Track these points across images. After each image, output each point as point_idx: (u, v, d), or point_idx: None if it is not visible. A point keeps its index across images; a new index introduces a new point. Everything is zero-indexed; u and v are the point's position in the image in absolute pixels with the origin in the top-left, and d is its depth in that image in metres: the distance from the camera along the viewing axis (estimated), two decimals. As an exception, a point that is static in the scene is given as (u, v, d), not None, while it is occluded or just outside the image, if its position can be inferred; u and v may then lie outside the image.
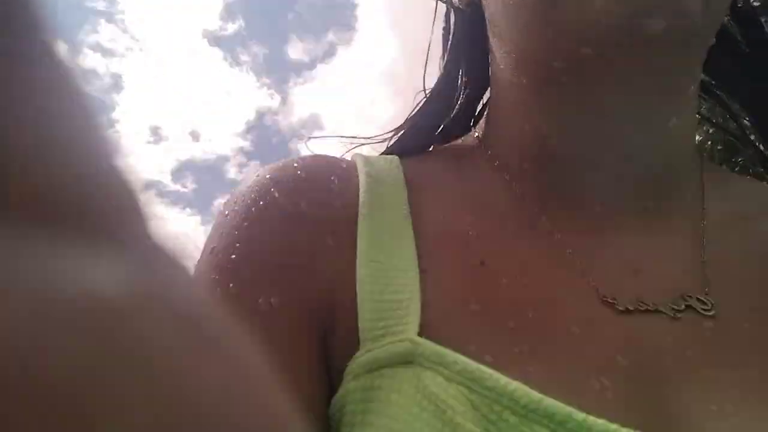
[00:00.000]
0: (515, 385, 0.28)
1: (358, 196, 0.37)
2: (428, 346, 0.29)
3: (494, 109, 0.43)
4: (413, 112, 0.47)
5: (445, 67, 0.47)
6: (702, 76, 0.42)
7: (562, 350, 0.31)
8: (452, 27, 0.47)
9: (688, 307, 0.34)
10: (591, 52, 0.33)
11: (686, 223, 0.38)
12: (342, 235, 0.35)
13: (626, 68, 0.33)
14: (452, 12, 0.47)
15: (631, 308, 0.33)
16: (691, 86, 0.38)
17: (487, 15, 0.40)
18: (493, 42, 0.41)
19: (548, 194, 0.39)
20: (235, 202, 0.36)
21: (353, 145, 0.45)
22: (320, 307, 0.32)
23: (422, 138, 0.45)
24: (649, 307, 0.33)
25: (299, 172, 0.37)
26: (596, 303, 0.34)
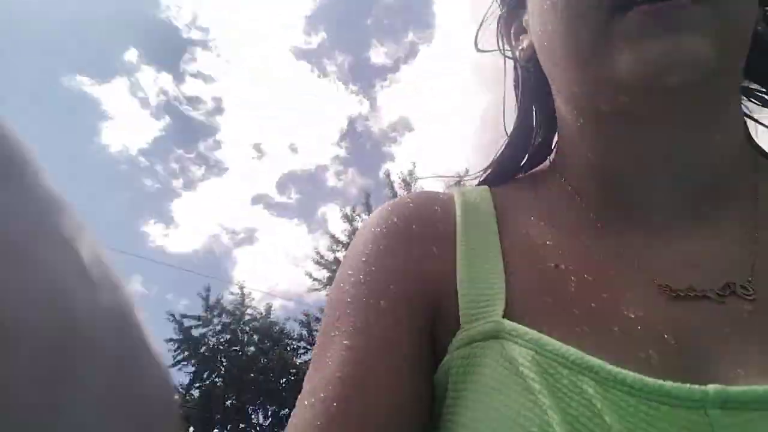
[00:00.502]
0: (567, 348, 0.36)
1: (455, 219, 0.48)
2: (509, 324, 0.39)
3: (562, 142, 0.52)
4: (498, 154, 0.58)
5: (518, 115, 0.58)
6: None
7: (617, 328, 0.38)
8: (521, 79, 0.58)
9: (732, 293, 0.39)
10: (627, 99, 0.41)
11: (738, 222, 0.43)
12: (444, 246, 0.46)
13: (659, 113, 0.41)
14: (518, 67, 0.58)
15: (682, 294, 0.39)
16: (728, 108, 0.44)
17: (544, 69, 0.49)
18: (553, 90, 0.50)
19: (611, 209, 0.47)
20: (365, 228, 0.49)
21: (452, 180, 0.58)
22: (427, 299, 0.44)
23: (507, 173, 0.57)
24: (698, 293, 0.39)
25: (411, 204, 0.50)
26: (652, 291, 0.40)
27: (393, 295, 0.43)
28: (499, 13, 0.58)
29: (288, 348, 15.66)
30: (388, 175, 13.35)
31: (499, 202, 0.51)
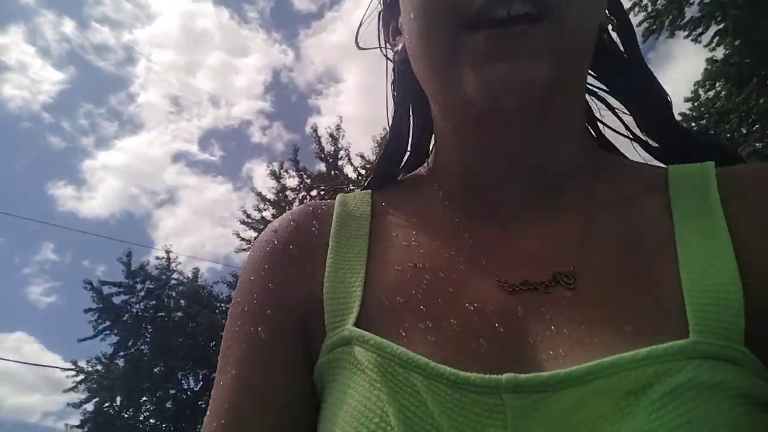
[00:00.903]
0: (401, 349, 0.41)
1: (330, 232, 0.52)
2: (357, 332, 0.44)
3: (436, 145, 0.56)
4: (377, 157, 0.61)
5: (393, 117, 0.60)
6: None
7: (457, 323, 0.43)
8: (396, 80, 0.60)
9: (557, 283, 0.44)
10: (475, 114, 0.45)
11: (574, 216, 0.48)
12: (317, 262, 0.50)
13: (503, 126, 0.46)
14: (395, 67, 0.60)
15: (516, 288, 0.44)
16: (568, 115, 0.49)
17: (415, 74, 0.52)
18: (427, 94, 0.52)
19: (469, 208, 0.51)
20: (253, 248, 0.54)
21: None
22: (300, 318, 0.48)
23: (387, 175, 0.60)
24: (529, 286, 0.44)
25: (292, 223, 0.54)
26: (492, 286, 0.45)
27: (270, 322, 0.48)
28: (380, 8, 0.60)
29: (217, 311, 15.44)
30: (315, 130, 13.19)
31: (377, 205, 0.55)
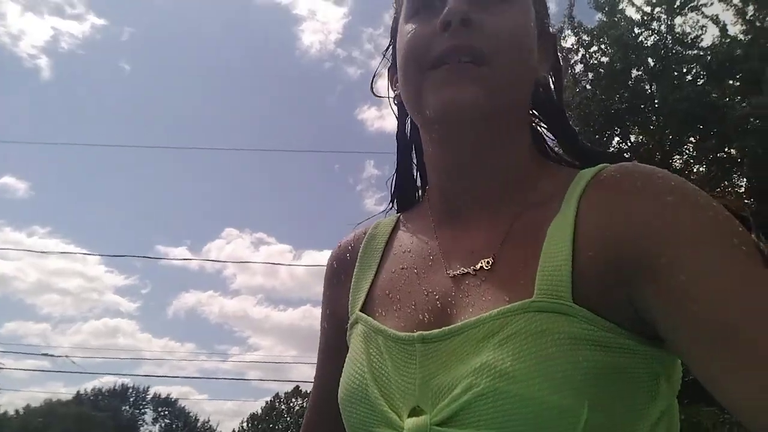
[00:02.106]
0: (376, 323, 0.65)
1: (359, 248, 0.77)
2: (360, 314, 0.69)
3: (426, 169, 0.75)
4: (391, 189, 0.84)
5: (398, 148, 0.83)
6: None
7: (415, 303, 0.65)
8: (398, 118, 0.82)
9: (482, 268, 0.62)
10: (436, 129, 0.66)
11: (511, 215, 0.64)
12: (348, 273, 0.76)
13: (455, 137, 0.65)
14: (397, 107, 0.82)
15: (458, 275, 0.63)
16: (509, 133, 0.66)
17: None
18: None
19: (441, 217, 0.71)
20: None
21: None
22: (341, 311, 0.74)
23: (401, 201, 0.83)
24: (465, 273, 0.63)
25: (339, 246, 0.81)
26: (442, 276, 0.65)
27: (328, 317, 0.79)
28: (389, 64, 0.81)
29: None
30: None
31: (398, 224, 0.78)
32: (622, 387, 0.52)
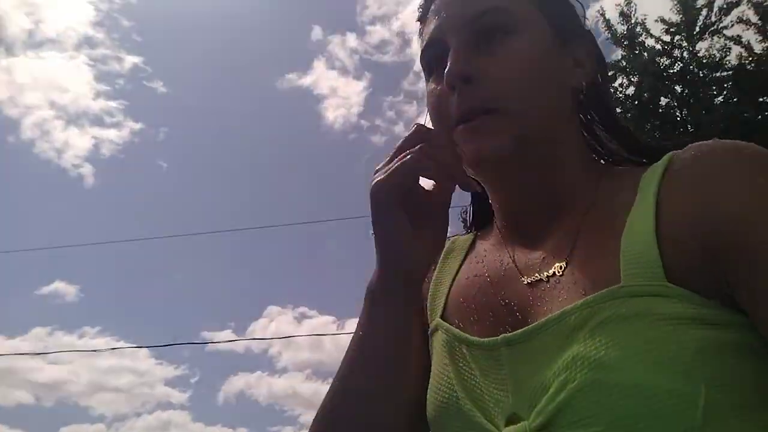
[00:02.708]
0: (457, 331, 0.66)
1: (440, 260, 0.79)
2: (439, 321, 0.70)
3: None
4: (469, 216, 0.84)
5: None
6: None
7: (492, 311, 0.65)
8: None
9: (554, 274, 0.61)
10: (476, 171, 0.65)
11: (578, 219, 0.63)
12: (429, 277, 0.77)
13: (497, 177, 0.67)
14: None
15: (533, 281, 0.63)
16: (555, 155, 0.65)
17: None
18: None
19: (509, 233, 0.72)
20: None
21: None
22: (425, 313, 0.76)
23: (475, 224, 0.83)
24: (540, 279, 0.63)
25: None
26: (518, 284, 0.65)
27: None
28: None
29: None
30: (602, 14, 10.87)
31: (476, 240, 0.79)
32: (739, 363, 0.49)
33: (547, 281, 0.62)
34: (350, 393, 0.61)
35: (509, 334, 0.59)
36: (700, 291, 0.51)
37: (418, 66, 0.71)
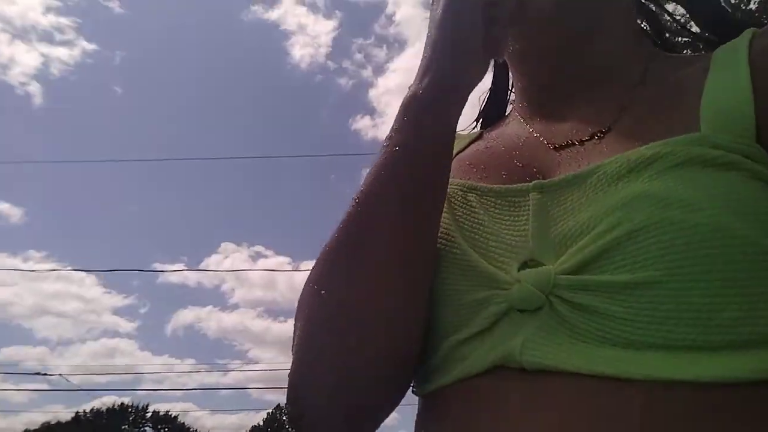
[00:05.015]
0: (463, 180, 0.56)
1: None
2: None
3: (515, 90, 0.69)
4: (481, 108, 0.76)
5: (493, 81, 0.76)
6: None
7: (507, 172, 0.55)
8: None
9: (592, 137, 0.53)
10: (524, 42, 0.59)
11: (622, 93, 0.56)
12: None
13: (539, 43, 0.58)
14: None
15: (560, 145, 0.55)
16: (599, 23, 0.58)
17: None
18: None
19: (533, 113, 0.62)
20: None
21: None
22: None
23: (490, 116, 0.75)
24: (570, 143, 0.54)
25: None
26: (541, 148, 0.56)
27: None
28: None
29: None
30: None
31: (483, 135, 0.68)
32: None
33: (581, 144, 0.53)
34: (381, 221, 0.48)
35: (543, 180, 0.50)
36: None
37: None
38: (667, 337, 0.38)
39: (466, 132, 0.73)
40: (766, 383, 0.37)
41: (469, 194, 0.54)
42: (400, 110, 0.51)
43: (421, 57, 0.52)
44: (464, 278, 0.47)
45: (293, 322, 0.50)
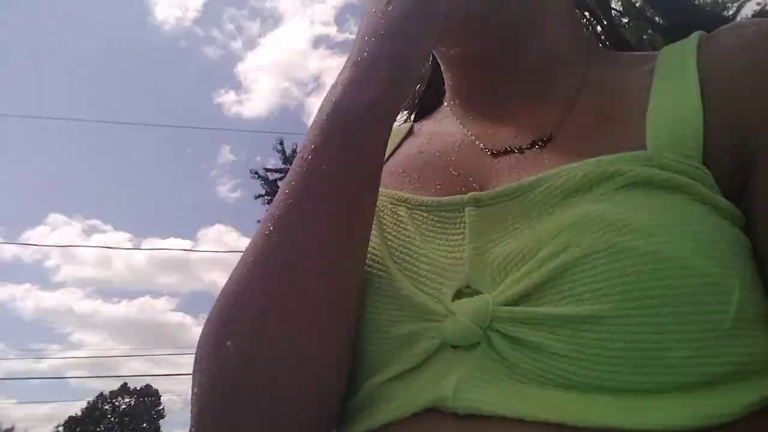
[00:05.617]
0: (392, 191, 0.52)
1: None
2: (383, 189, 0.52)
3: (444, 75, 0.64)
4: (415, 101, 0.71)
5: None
6: None
7: (441, 182, 0.51)
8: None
9: (530, 147, 0.50)
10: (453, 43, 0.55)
11: (563, 95, 0.53)
12: None
13: (469, 42, 0.54)
14: None
15: (499, 152, 0.51)
16: (533, 25, 0.54)
17: None
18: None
19: (466, 113, 0.59)
20: None
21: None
22: None
23: (419, 108, 0.71)
24: (509, 150, 0.51)
25: None
26: (478, 155, 0.53)
27: None
28: None
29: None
30: None
31: (413, 130, 0.65)
32: (756, 272, 0.40)
33: (521, 152, 0.50)
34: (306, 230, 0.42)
35: (481, 193, 0.46)
36: (727, 185, 0.42)
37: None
38: (615, 379, 0.35)
39: (395, 125, 0.65)
40: (717, 428, 0.35)
41: (399, 208, 0.50)
42: (324, 121, 0.44)
43: (352, 61, 0.45)
44: (391, 308, 0.43)
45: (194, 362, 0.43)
